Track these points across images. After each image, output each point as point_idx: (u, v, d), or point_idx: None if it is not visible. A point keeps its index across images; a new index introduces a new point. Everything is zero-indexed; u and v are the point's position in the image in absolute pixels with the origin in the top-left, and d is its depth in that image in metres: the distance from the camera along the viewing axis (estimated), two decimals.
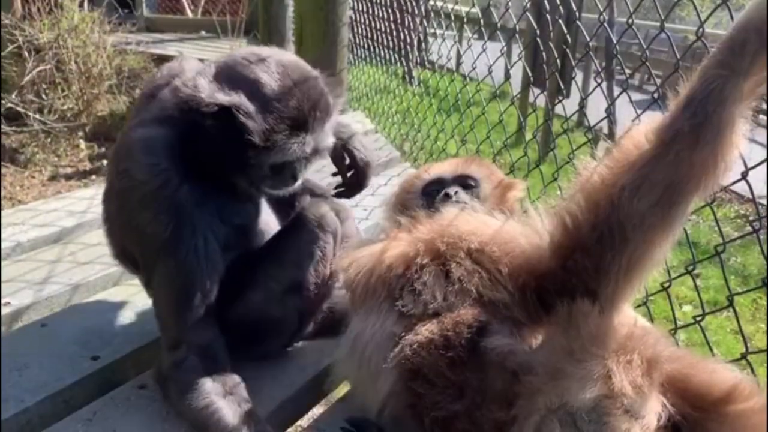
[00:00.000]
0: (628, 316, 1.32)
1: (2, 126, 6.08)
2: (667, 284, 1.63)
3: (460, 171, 1.62)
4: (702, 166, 1.08)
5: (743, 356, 1.40)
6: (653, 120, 1.17)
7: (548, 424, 1.02)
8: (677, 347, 1.36)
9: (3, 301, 1.83)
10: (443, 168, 1.67)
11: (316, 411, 1.72)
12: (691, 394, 1.14)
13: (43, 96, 6.71)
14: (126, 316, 1.83)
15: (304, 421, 1.70)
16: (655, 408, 1.07)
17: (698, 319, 1.54)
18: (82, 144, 6.92)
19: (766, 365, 2.20)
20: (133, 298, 1.91)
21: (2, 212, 2.39)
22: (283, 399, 1.54)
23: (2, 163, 6.06)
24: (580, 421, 1.00)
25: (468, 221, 1.35)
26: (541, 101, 4.98)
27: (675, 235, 1.16)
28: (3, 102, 6.09)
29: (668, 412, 1.10)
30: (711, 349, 1.62)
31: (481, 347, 1.15)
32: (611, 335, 1.10)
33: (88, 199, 2.49)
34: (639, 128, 1.17)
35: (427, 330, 1.20)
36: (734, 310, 1.45)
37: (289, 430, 1.61)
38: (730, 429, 1.12)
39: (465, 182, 1.60)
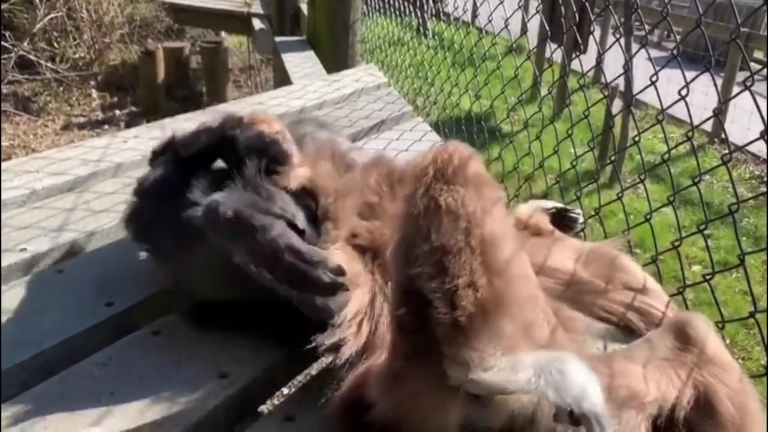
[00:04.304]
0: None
1: (14, 74, 6.07)
2: (678, 243, 1.63)
3: None
4: None
5: (751, 315, 1.41)
6: None
7: None
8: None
9: (20, 248, 1.86)
10: None
11: None
12: None
13: (55, 44, 6.68)
14: (140, 264, 1.86)
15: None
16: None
17: (708, 277, 1.55)
18: (94, 93, 6.92)
19: None
20: None
21: (17, 159, 2.41)
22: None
23: (16, 111, 6.08)
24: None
25: None
26: (558, 56, 4.90)
27: None
28: (15, 50, 6.06)
29: None
30: (719, 308, 1.62)
31: None
32: None
33: (102, 149, 2.49)
34: None
35: None
36: (745, 270, 1.45)
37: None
38: None
39: None
